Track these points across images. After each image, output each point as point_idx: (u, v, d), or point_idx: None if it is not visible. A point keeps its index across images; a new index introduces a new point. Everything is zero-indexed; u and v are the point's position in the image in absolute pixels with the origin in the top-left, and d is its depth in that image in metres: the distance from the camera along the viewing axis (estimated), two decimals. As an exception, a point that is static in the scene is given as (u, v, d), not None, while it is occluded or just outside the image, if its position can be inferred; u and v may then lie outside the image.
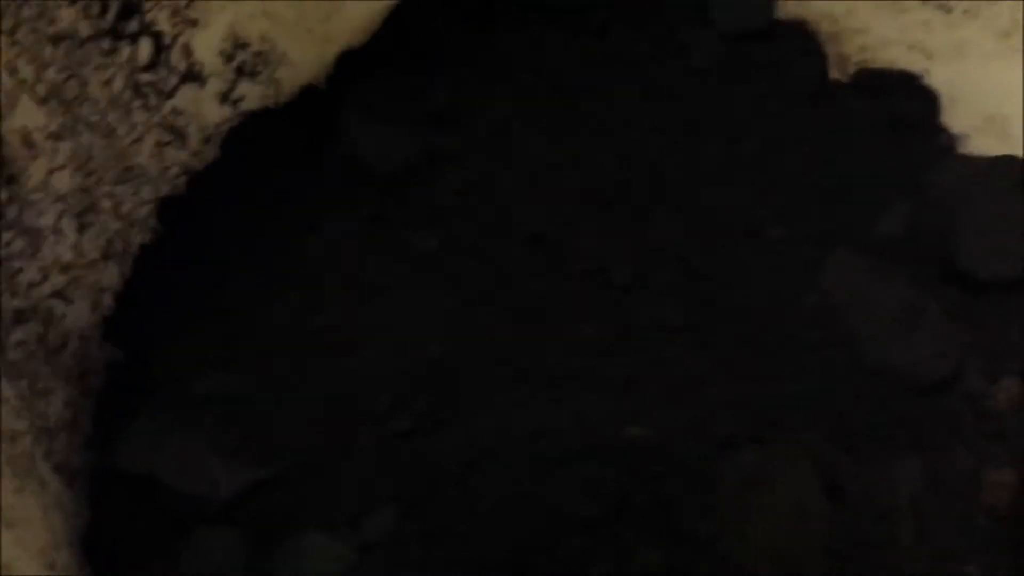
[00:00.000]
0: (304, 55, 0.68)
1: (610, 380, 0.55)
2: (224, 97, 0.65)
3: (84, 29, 0.54)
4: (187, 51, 0.62)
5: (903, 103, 0.69)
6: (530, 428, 0.53)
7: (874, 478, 0.55)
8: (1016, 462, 0.56)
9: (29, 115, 0.52)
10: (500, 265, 0.60)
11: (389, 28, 0.70)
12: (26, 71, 0.52)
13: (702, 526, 0.50)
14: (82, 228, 0.57)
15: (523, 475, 0.51)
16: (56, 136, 0.54)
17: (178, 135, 0.63)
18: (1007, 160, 0.64)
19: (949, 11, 0.67)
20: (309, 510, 0.52)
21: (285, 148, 0.66)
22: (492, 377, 0.56)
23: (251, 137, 0.67)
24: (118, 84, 0.58)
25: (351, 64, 0.70)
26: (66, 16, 0.53)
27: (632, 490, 0.51)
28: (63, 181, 0.55)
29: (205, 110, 0.64)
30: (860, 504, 0.54)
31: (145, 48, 0.59)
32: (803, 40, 0.71)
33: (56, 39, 0.53)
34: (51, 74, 0.53)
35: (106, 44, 0.56)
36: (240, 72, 0.65)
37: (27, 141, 0.52)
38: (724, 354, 0.57)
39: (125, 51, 0.58)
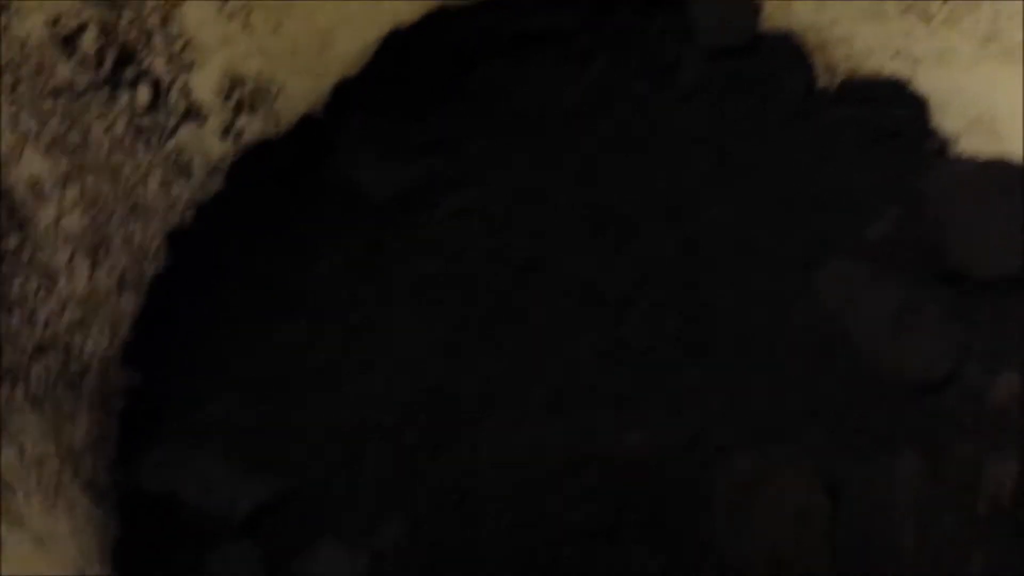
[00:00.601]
0: (300, 87, 0.71)
1: (607, 394, 0.57)
2: (225, 132, 0.68)
3: (82, 81, 0.57)
4: (185, 92, 0.64)
5: (891, 109, 0.69)
6: (530, 442, 0.55)
7: (875, 476, 0.56)
8: (1018, 453, 0.57)
9: (34, 164, 0.55)
10: (496, 289, 0.62)
11: (381, 59, 0.71)
12: (28, 124, 0.54)
13: (701, 533, 0.51)
14: (95, 264, 0.60)
15: (524, 488, 0.53)
16: (63, 182, 0.56)
17: (182, 170, 0.66)
18: (996, 161, 0.64)
19: (929, 20, 0.67)
20: (323, 522, 0.55)
21: (286, 177, 0.68)
22: (492, 395, 0.57)
23: (253, 168, 0.69)
24: (120, 129, 0.60)
25: (347, 94, 0.71)
26: (64, 70, 0.55)
27: (631, 499, 0.52)
28: (73, 222, 0.58)
29: (207, 145, 0.67)
30: (861, 503, 0.55)
31: (144, 93, 0.61)
32: (789, 52, 0.71)
33: (56, 92, 0.55)
34: (53, 125, 0.56)
35: (104, 93, 0.59)
36: (239, 108, 0.68)
37: (35, 188, 0.55)
38: (720, 364, 0.58)
39: (124, 97, 0.60)
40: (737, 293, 0.61)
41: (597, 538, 0.51)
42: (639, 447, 0.53)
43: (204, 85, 0.65)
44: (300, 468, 0.56)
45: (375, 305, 0.62)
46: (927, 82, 0.70)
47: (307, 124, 0.71)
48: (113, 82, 0.59)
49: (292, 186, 0.68)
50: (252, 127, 0.69)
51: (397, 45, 0.71)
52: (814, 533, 0.52)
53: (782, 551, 0.51)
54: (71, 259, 0.58)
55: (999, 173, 0.64)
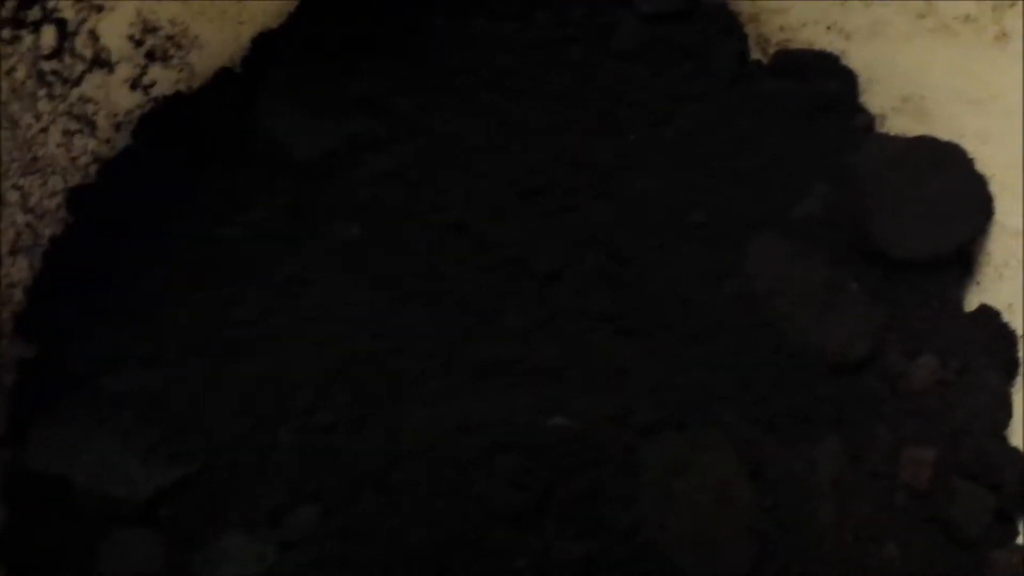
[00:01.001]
0: (217, 37, 0.67)
1: (533, 370, 0.55)
2: (134, 83, 0.64)
3: (-19, 20, 0.52)
4: (93, 37, 0.60)
5: (822, 83, 0.69)
6: (454, 421, 0.53)
7: (795, 458, 0.56)
8: (935, 439, 0.57)
9: (-75, 109, 0.50)
10: (422, 255, 0.59)
11: (306, 10, 0.68)
12: (-80, 63, 0.50)
13: (625, 516, 0.50)
14: (-13, 223, 0.55)
15: (447, 469, 0.51)
16: (-45, 130, 0.52)
17: (87, 123, 0.61)
18: (924, 140, 0.64)
19: (866, -9, 0.67)
20: (229, 509, 0.52)
21: (199, 133, 0.65)
22: (415, 369, 0.55)
23: (164, 123, 0.65)
24: (20, 73, 0.56)
25: (268, 47, 0.68)
26: (-39, 7, 0.51)
27: (556, 482, 0.51)
28: (-36, 176, 0.53)
29: (115, 97, 0.63)
30: (782, 485, 0.55)
31: (48, 35, 0.57)
32: (723, 21, 0.71)
33: (-48, 30, 0.51)
34: (-53, 66, 0.51)
35: (6, 33, 0.54)
36: (151, 57, 0.64)
37: (-77, 137, 0.50)
38: (647, 341, 0.57)
39: (27, 40, 0.56)
40: (667, 269, 0.60)
41: (521, 521, 0.49)
42: (564, 429, 0.52)
43: (114, 30, 0.60)
44: (206, 449, 0.53)
45: (293, 272, 0.59)
46: (859, 57, 0.69)
47: (224, 77, 0.67)
48: (15, 22, 0.54)
49: (206, 143, 0.64)
50: (165, 79, 0.65)
51: (325, -5, 0.68)
52: (736, 515, 0.52)
53: (705, 532, 0.51)
54: (-38, 217, 0.54)
55: (927, 152, 0.64)
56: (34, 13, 0.56)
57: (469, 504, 0.50)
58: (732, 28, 0.71)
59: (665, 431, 0.53)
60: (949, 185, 0.63)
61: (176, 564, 0.50)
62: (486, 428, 0.52)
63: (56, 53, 0.58)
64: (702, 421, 0.54)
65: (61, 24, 0.58)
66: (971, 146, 0.63)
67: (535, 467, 0.51)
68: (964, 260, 0.64)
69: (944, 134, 0.64)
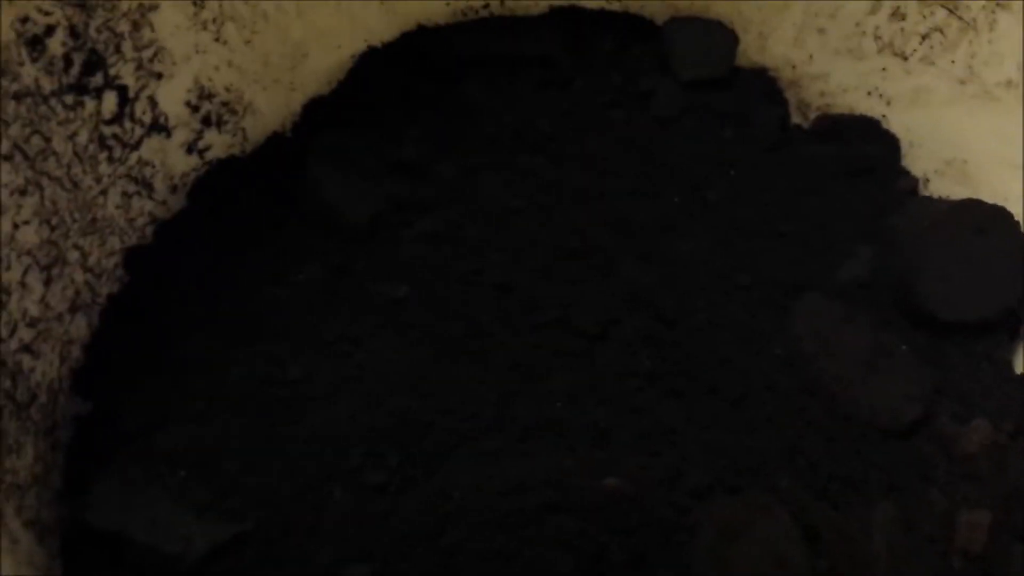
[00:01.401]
0: (270, 104, 0.69)
1: (581, 431, 0.55)
2: (190, 147, 0.65)
3: (47, 85, 0.54)
4: (152, 103, 0.61)
5: (864, 148, 0.70)
6: (503, 483, 0.52)
7: (849, 523, 0.55)
8: (989, 502, 0.57)
9: (-7, 171, 0.52)
10: (468, 315, 0.60)
11: (355, 78, 0.70)
12: (-11, 129, 0.51)
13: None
14: (48, 281, 0.56)
15: (497, 530, 0.51)
16: (20, 192, 0.54)
17: (144, 185, 0.63)
18: (969, 203, 0.65)
19: (906, 58, 0.68)
20: (283, 567, 0.51)
21: (252, 196, 0.66)
22: (463, 430, 0.55)
23: (218, 185, 0.66)
24: (83, 138, 0.57)
25: (318, 113, 0.70)
26: (28, 73, 0.52)
27: (608, 544, 0.50)
28: (29, 235, 0.54)
29: (171, 160, 0.64)
30: (837, 550, 0.54)
31: (110, 101, 0.59)
32: (764, 87, 0.72)
33: (18, 96, 0.52)
34: (14, 130, 0.53)
35: (70, 99, 0.56)
36: (206, 122, 0.65)
37: (-8, 197, 0.52)
38: (694, 403, 0.57)
39: (90, 105, 0.57)
40: (712, 330, 0.60)
41: (576, 582, 0.49)
42: (616, 491, 0.51)
43: (172, 96, 0.62)
44: (259, 506, 0.53)
45: (342, 331, 0.59)
46: (900, 122, 0.70)
47: (276, 142, 0.69)
48: (79, 88, 0.56)
49: (258, 205, 0.65)
50: (219, 143, 0.66)
51: (373, 63, 0.69)
52: (794, 579, 0.51)
53: (761, 596, 0.50)
54: (24, 276, 0.55)
55: (972, 215, 0.65)
56: (96, 80, 0.58)
57: (521, 566, 0.49)
58: (772, 94, 0.72)
59: (718, 494, 0.53)
60: (995, 247, 0.63)
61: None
62: (537, 489, 0.52)
63: (117, 118, 0.59)
64: (755, 485, 0.53)
65: (122, 90, 0.59)
66: (1015, 209, 0.64)
67: (587, 529, 0.50)
68: (1012, 322, 0.64)
69: (987, 197, 0.64)
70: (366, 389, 0.57)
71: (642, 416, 0.56)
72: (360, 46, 0.69)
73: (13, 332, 0.54)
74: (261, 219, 0.65)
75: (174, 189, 0.64)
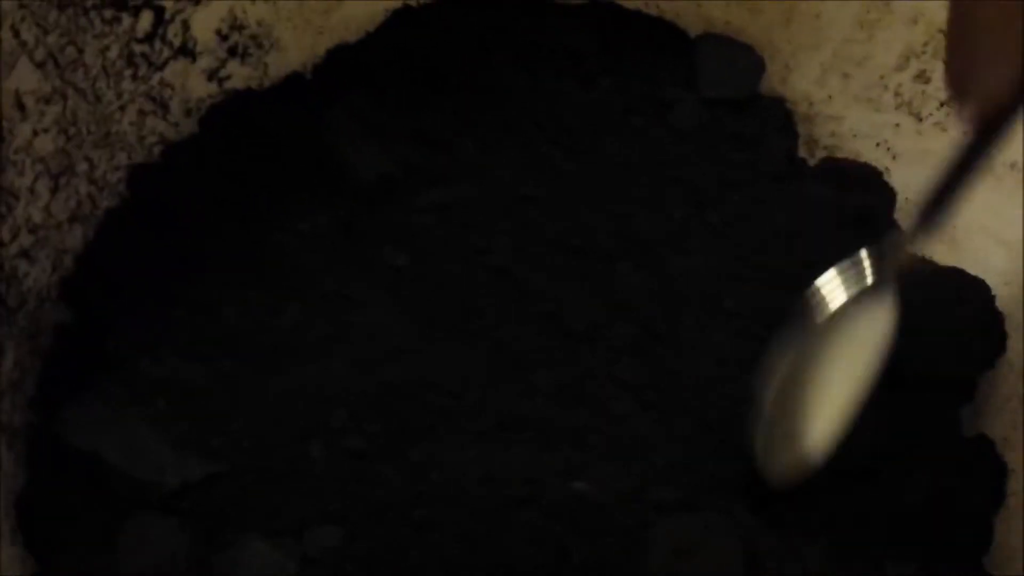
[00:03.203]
0: (296, 43, 0.68)
1: (559, 431, 0.57)
2: (212, 74, 0.65)
3: (90, -3, 0.53)
4: (185, 27, 0.61)
5: (863, 196, 0.71)
6: (480, 470, 0.54)
7: (788, 555, 0.58)
8: (916, 558, 0.60)
9: (24, 78, 0.51)
10: (463, 295, 0.60)
11: (386, 32, 0.69)
12: (29, 34, 0.51)
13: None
14: (55, 189, 0.56)
15: (469, 516, 0.52)
16: (46, 100, 0.53)
17: (161, 106, 0.63)
18: (952, 272, 0.67)
19: (921, 119, 0.70)
20: (255, 513, 0.52)
21: (264, 133, 0.66)
22: (446, 409, 0.56)
23: (232, 114, 0.66)
24: (113, 53, 0.57)
25: (342, 60, 0.69)
26: (76, -17, 0.52)
27: (572, 545, 0.52)
28: (46, 144, 0.54)
29: (191, 84, 0.64)
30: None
31: (145, 21, 0.58)
32: (779, 117, 0.73)
33: (62, 4, 0.52)
34: (52, 39, 0.52)
35: (108, 14, 0.55)
36: (232, 52, 0.65)
37: (19, 103, 0.51)
38: (667, 418, 0.59)
39: (126, 22, 0.57)
40: (694, 350, 0.62)
41: (534, 577, 0.51)
42: (585, 494, 0.53)
43: (205, 23, 0.61)
44: (238, 450, 0.53)
45: (337, 288, 0.60)
46: (901, 177, 0.72)
47: (295, 81, 0.68)
48: (119, 3, 0.55)
49: (269, 145, 0.65)
50: (239, 74, 0.66)
51: (406, 22, 0.69)
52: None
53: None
54: (34, 182, 0.54)
55: (953, 282, 0.67)
56: (137, -2, 0.57)
57: (487, 554, 0.51)
58: (787, 126, 0.73)
59: (678, 511, 0.55)
60: (966, 316, 0.66)
61: (195, 559, 0.50)
62: (511, 483, 0.53)
63: (148, 37, 0.59)
64: (712, 507, 0.56)
65: (159, 11, 0.59)
66: (993, 283, 0.66)
67: (553, 528, 0.52)
68: (969, 388, 0.67)
69: (970, 268, 0.67)
70: (355, 352, 0.58)
71: (619, 424, 0.58)
72: (397, 3, 0.69)
73: (15, 237, 0.54)
74: (270, 159, 0.64)
75: (188, 113, 0.64)
